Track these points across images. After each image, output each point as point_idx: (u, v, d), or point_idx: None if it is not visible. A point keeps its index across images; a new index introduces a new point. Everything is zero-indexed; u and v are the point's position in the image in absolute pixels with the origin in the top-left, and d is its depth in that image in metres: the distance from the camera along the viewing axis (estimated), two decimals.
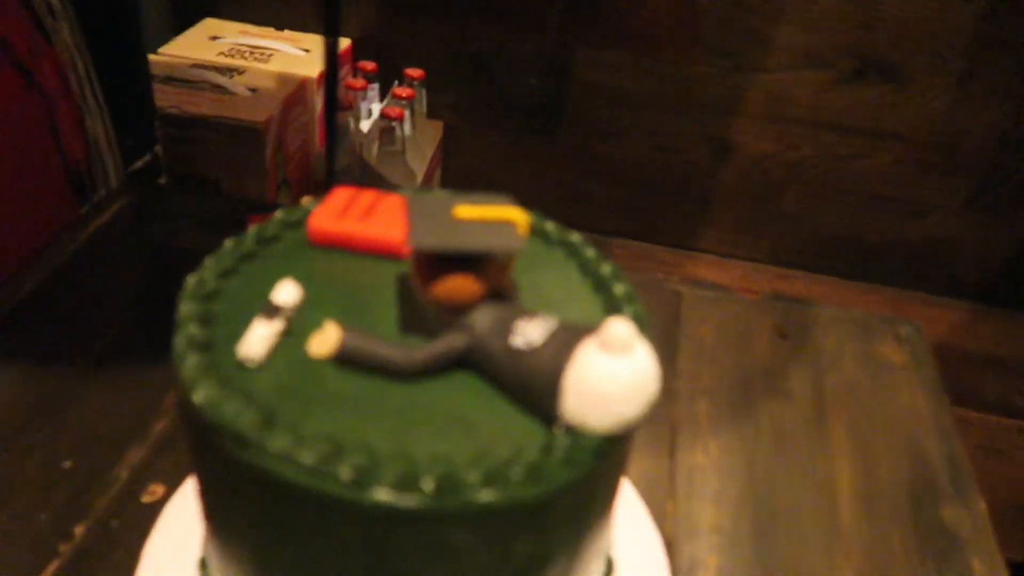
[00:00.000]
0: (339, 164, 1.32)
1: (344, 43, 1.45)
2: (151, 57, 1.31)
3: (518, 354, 0.40)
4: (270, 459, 0.36)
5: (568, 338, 0.39)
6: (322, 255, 0.49)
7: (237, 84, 1.26)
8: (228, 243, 0.47)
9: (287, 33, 1.44)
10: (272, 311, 0.42)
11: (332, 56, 0.73)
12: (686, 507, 0.64)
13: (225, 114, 1.19)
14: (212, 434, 0.38)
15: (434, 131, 1.46)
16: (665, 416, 0.72)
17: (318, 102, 1.34)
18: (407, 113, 1.33)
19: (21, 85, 0.79)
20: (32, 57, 0.79)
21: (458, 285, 0.40)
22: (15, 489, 0.60)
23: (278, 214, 0.51)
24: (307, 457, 0.36)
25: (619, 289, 0.48)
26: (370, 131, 1.33)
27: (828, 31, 1.33)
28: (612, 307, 0.47)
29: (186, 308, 0.43)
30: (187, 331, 0.41)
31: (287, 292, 0.43)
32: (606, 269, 0.49)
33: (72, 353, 0.71)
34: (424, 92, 1.42)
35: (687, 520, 0.63)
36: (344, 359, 0.41)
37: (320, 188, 1.33)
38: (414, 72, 1.40)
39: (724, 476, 0.67)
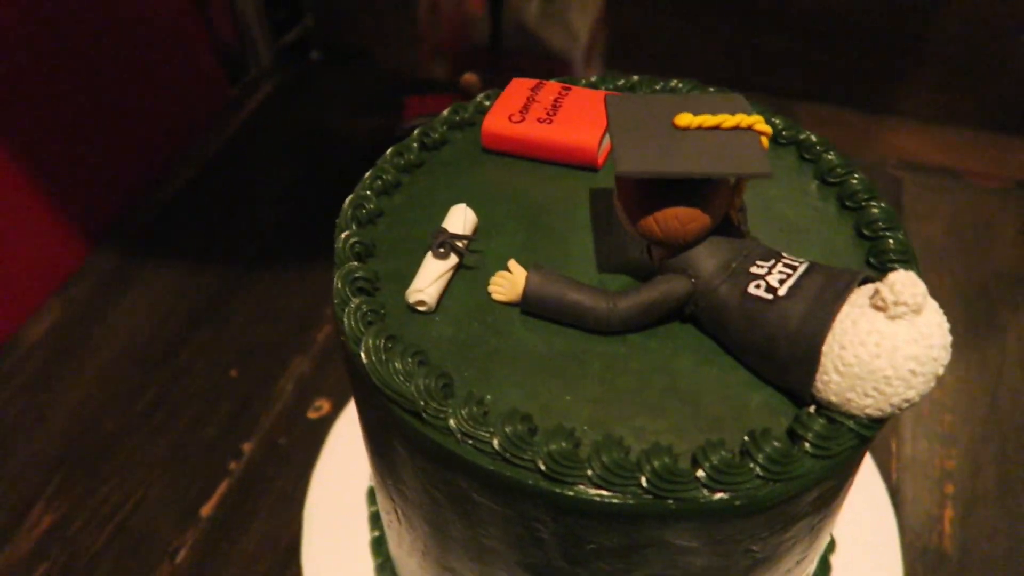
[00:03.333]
0: (507, 27, 1.21)
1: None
2: None
3: (757, 306, 0.31)
4: (450, 439, 0.30)
5: (827, 289, 0.30)
6: (499, 165, 0.40)
7: None
8: (389, 152, 0.40)
9: None
10: (445, 244, 0.34)
11: None
12: (912, 449, 0.54)
13: None
14: (382, 398, 0.31)
15: None
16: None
17: None
18: None
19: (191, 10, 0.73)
20: None
21: (680, 218, 0.31)
22: (184, 401, 0.58)
23: (445, 113, 0.42)
24: (495, 439, 0.29)
25: (876, 211, 0.37)
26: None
27: None
28: (873, 237, 0.36)
29: (344, 238, 0.36)
30: (347, 268, 0.34)
31: (461, 219, 0.36)
32: (856, 182, 0.38)
33: (229, 252, 0.67)
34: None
35: (914, 465, 0.54)
36: (532, 307, 0.33)
37: (480, 57, 1.24)
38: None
39: (960, 410, 0.56)
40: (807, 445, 0.29)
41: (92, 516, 0.51)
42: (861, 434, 0.29)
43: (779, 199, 0.39)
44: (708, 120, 0.31)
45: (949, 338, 0.29)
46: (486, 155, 0.41)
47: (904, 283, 0.28)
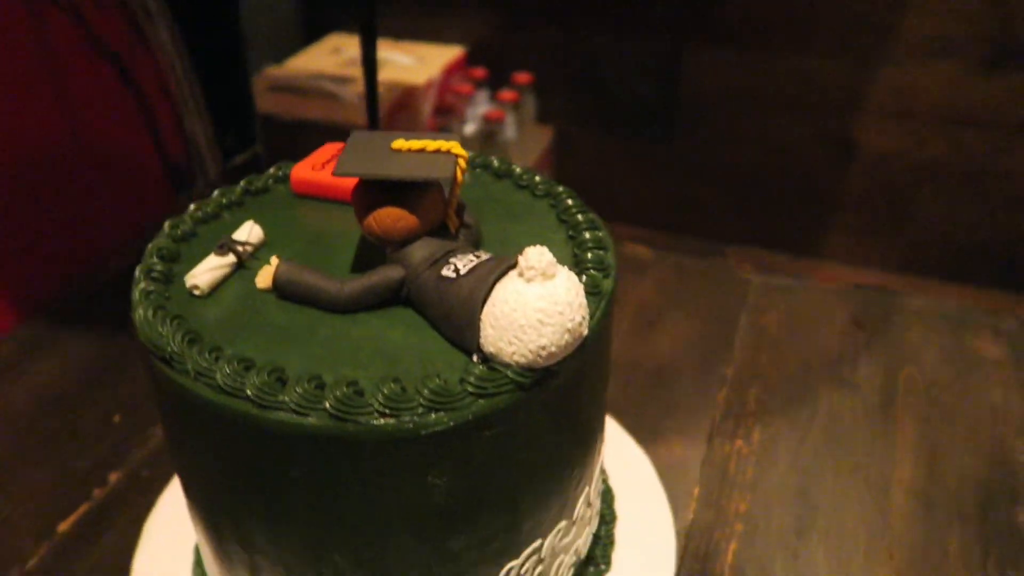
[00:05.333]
0: None
1: (457, 52, 1.48)
2: (270, 70, 1.40)
3: (445, 284, 0.39)
4: (187, 377, 0.37)
5: (493, 268, 0.38)
6: (306, 205, 0.50)
7: (348, 91, 1.32)
8: (216, 193, 0.49)
9: (405, 44, 1.50)
10: (226, 246, 0.43)
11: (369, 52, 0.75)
12: (715, 494, 0.60)
13: (333, 118, 1.25)
14: (146, 353, 0.39)
15: (543, 136, 1.47)
16: (708, 402, 0.67)
17: (426, 108, 1.38)
18: (510, 116, 1.35)
19: (118, 79, 0.86)
20: (130, 55, 0.86)
21: (390, 216, 0.40)
22: (68, 438, 0.65)
23: (271, 169, 0.52)
24: (219, 376, 0.37)
25: (591, 236, 0.45)
26: (473, 135, 1.35)
27: (959, 16, 1.22)
28: (580, 253, 0.45)
29: (155, 244, 0.45)
30: (148, 263, 0.43)
31: (246, 230, 0.44)
32: (583, 217, 0.47)
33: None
34: (532, 97, 1.43)
35: (712, 507, 0.59)
36: (282, 290, 0.41)
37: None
38: (521, 76, 1.41)
39: (764, 465, 0.62)
40: (468, 386, 0.36)
41: None
42: (515, 380, 0.37)
43: (519, 230, 0.47)
44: (416, 144, 0.41)
45: (579, 299, 0.36)
46: (299, 199, 0.50)
47: (534, 253, 0.36)
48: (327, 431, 0.36)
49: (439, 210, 0.41)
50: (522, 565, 0.44)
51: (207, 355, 0.37)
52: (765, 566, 0.55)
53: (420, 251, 0.40)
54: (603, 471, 0.57)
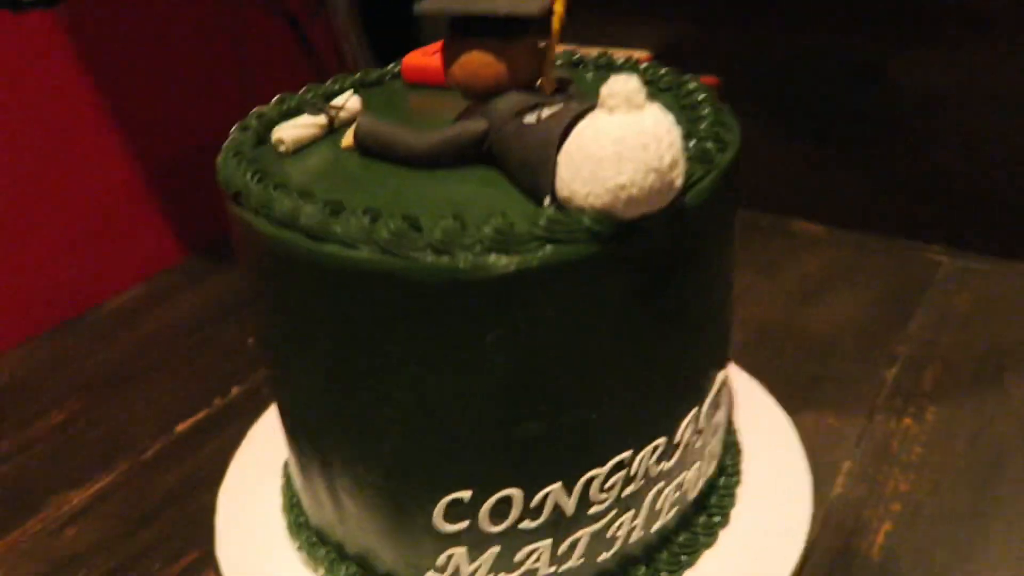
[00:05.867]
0: None
1: (642, 56, 1.45)
2: None
3: (527, 129, 0.35)
4: (251, 212, 0.36)
5: (576, 108, 0.33)
6: (415, 92, 0.48)
7: None
8: (330, 81, 0.48)
9: (588, 48, 1.48)
10: (319, 106, 0.41)
11: None
12: (871, 470, 0.50)
13: None
14: (224, 197, 0.38)
15: None
16: (872, 378, 0.58)
17: None
18: None
19: (294, 39, 0.90)
20: (308, 18, 0.90)
21: (475, 61, 0.36)
22: (205, 354, 0.66)
23: (390, 65, 0.51)
24: (277, 208, 0.35)
25: (711, 113, 0.40)
26: None
27: None
28: (695, 128, 0.39)
29: (259, 109, 0.44)
30: (246, 122, 0.42)
31: (344, 98, 0.43)
32: (705, 101, 0.42)
33: None
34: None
35: (866, 483, 0.50)
36: (362, 141, 0.39)
37: None
38: (708, 79, 1.35)
39: (936, 447, 0.52)
40: (536, 228, 0.32)
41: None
42: (591, 227, 0.32)
43: None
44: None
45: (670, 136, 0.31)
46: (408, 88, 0.49)
47: (618, 80, 0.31)
48: (378, 266, 0.32)
49: (530, 64, 0.37)
50: (607, 478, 0.38)
51: (270, 190, 0.35)
52: (923, 552, 0.45)
53: (506, 102, 0.37)
54: (731, 424, 0.50)
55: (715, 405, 0.43)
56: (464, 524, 0.38)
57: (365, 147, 0.39)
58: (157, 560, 0.49)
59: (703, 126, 0.38)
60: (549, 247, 0.32)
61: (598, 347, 0.35)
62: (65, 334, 0.71)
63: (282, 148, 0.40)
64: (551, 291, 0.33)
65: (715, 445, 0.44)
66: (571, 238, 0.32)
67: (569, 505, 0.38)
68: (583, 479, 0.37)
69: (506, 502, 0.37)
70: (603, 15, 1.50)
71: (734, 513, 0.46)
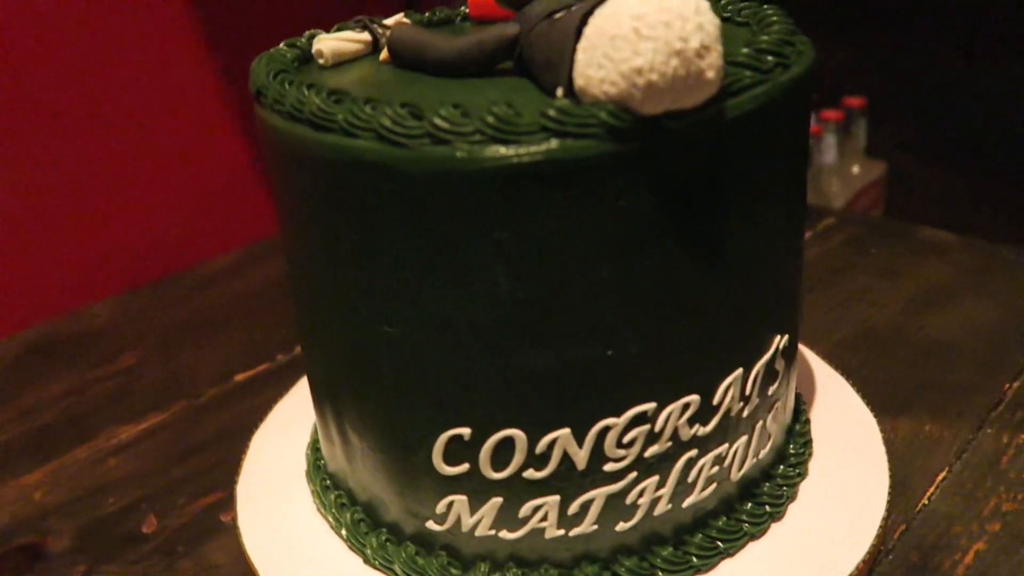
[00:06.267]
0: None
1: None
2: None
3: (553, 26, 0.31)
4: (267, 110, 0.34)
5: None
6: (479, 28, 0.45)
7: None
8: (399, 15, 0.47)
9: None
10: (363, 22, 0.40)
11: None
12: (969, 484, 0.43)
13: None
14: (263, 111, 0.36)
15: (872, 170, 1.29)
16: (987, 389, 0.50)
17: None
18: (830, 138, 1.21)
19: None
20: None
21: None
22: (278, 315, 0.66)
23: (462, 8, 0.49)
24: (288, 101, 0.33)
25: (779, 25, 0.35)
26: None
27: None
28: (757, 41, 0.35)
29: (313, 32, 0.43)
30: (296, 40, 0.41)
31: (394, 19, 0.41)
32: (775, 17, 0.37)
33: None
34: (863, 124, 1.27)
35: (961, 497, 0.42)
36: (395, 49, 0.37)
37: None
38: (852, 100, 1.26)
39: None
40: (544, 120, 0.28)
41: None
42: (605, 120, 0.28)
43: None
44: None
45: (699, 18, 0.27)
46: (473, 24, 0.46)
47: None
48: (376, 156, 0.30)
49: None
50: (624, 431, 0.33)
51: (287, 86, 0.34)
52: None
53: (541, 5, 0.33)
54: (801, 413, 0.44)
55: (771, 375, 0.37)
56: (464, 467, 0.34)
57: (398, 57, 0.37)
58: (183, 495, 0.48)
59: (765, 38, 0.33)
60: (556, 140, 0.28)
61: (615, 268, 0.31)
62: (162, 287, 0.73)
63: (321, 60, 0.39)
64: (559, 192, 0.29)
65: (772, 425, 0.39)
66: (582, 132, 0.28)
67: (580, 457, 0.33)
68: (596, 428, 0.33)
69: (508, 445, 0.33)
70: None
71: (791, 508, 0.40)
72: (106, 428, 0.55)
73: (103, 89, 0.74)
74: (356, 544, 0.39)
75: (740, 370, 0.35)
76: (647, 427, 0.33)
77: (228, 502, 0.46)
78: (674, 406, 0.34)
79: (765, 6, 0.40)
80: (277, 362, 0.60)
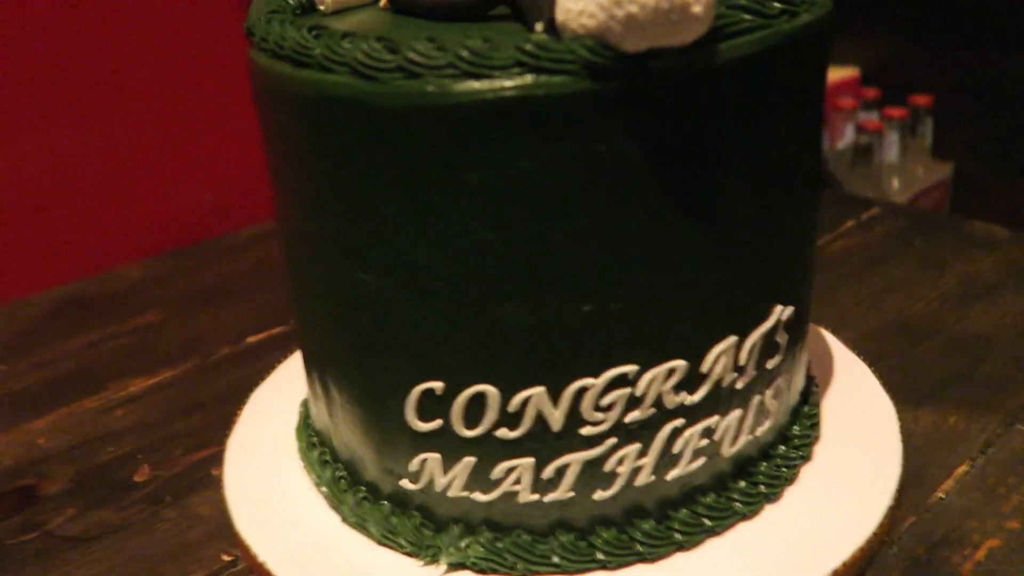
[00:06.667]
0: None
1: (850, 72, 1.33)
2: None
3: None
4: (256, 50, 0.34)
5: None
6: None
7: None
8: None
9: None
10: None
11: None
12: (992, 480, 0.40)
13: None
14: (258, 53, 0.35)
15: (937, 171, 1.24)
16: (1020, 383, 0.47)
17: None
18: (892, 135, 1.16)
19: None
20: None
21: None
22: None
23: None
24: (271, 38, 0.32)
25: None
26: (845, 149, 1.19)
27: None
28: None
29: None
30: None
31: None
32: None
33: None
34: (930, 124, 1.22)
35: (980, 492, 0.39)
36: None
37: None
38: (919, 98, 1.21)
39: None
40: (519, 53, 0.27)
41: None
42: (583, 56, 0.26)
43: None
44: None
45: None
46: None
47: None
48: (349, 91, 0.29)
49: None
50: (602, 393, 0.32)
51: (275, 25, 0.33)
52: None
53: None
54: (811, 395, 0.42)
55: (771, 347, 0.35)
56: (437, 423, 0.33)
57: (397, 2, 0.36)
58: (180, 448, 0.48)
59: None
60: (531, 76, 0.27)
61: (594, 218, 0.29)
62: (191, 253, 0.73)
63: (322, 7, 0.38)
64: (534, 132, 0.28)
65: (772, 402, 0.36)
66: (558, 68, 0.27)
67: (555, 418, 0.32)
68: (572, 388, 0.31)
69: (480, 401, 0.32)
70: None
71: (790, 491, 0.37)
72: (118, 380, 0.55)
73: (148, 60, 0.75)
74: (334, 502, 0.38)
75: (734, 338, 0.33)
76: (627, 391, 0.32)
77: (222, 457, 0.45)
78: (657, 370, 0.32)
79: None
80: (289, 326, 0.60)
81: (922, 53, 1.29)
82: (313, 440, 0.41)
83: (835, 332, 0.52)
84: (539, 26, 0.28)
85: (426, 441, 0.34)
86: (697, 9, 0.26)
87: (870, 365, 0.47)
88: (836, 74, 1.32)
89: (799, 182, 0.34)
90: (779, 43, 0.30)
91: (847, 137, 1.20)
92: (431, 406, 0.33)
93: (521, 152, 0.28)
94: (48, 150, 0.72)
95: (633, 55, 0.27)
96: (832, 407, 0.42)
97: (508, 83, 0.27)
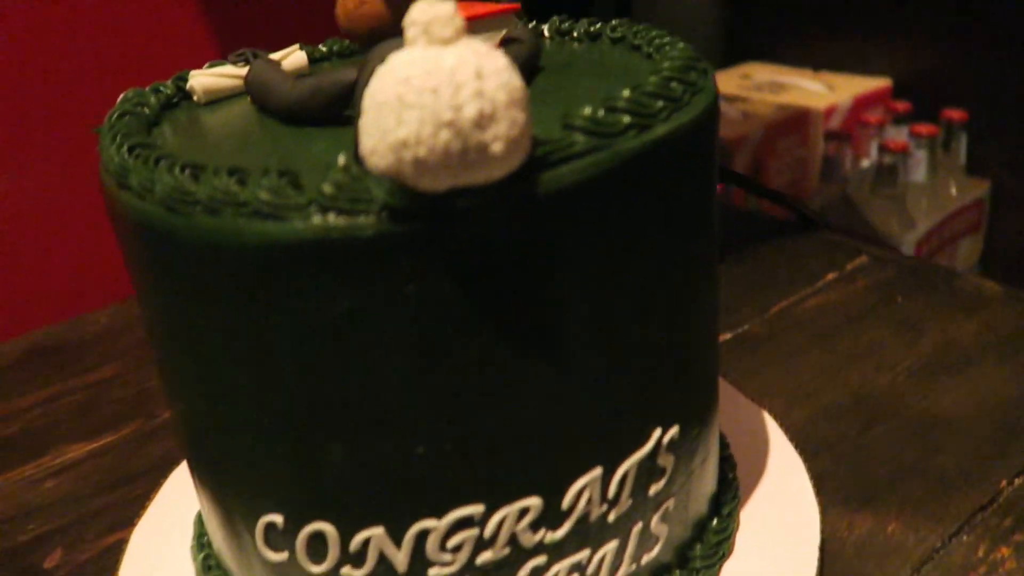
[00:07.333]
0: (819, 198, 1.15)
1: (881, 83, 1.27)
2: None
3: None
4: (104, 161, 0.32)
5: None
6: None
7: (732, 108, 1.20)
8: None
9: (823, 74, 1.33)
10: (244, 55, 0.37)
11: None
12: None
13: None
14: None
15: (972, 188, 1.17)
16: (984, 482, 0.43)
17: (819, 133, 1.19)
18: (920, 153, 1.10)
19: None
20: None
21: (349, 2, 0.30)
22: None
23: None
24: (113, 158, 0.30)
25: (670, 65, 0.30)
26: (867, 169, 1.13)
27: None
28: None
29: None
30: (184, 72, 0.39)
31: (285, 52, 0.38)
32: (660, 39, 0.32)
33: None
34: (964, 139, 1.15)
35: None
36: (250, 89, 0.34)
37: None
38: (952, 112, 1.14)
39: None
40: (313, 192, 0.25)
41: None
42: (381, 196, 0.24)
43: (586, 84, 0.33)
44: None
45: (479, 83, 0.23)
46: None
47: (423, 4, 0.23)
48: (160, 223, 0.27)
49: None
50: (447, 535, 0.29)
51: (107, 139, 0.31)
52: None
53: (382, 50, 0.30)
54: (722, 507, 0.39)
55: (652, 473, 0.32)
56: (284, 555, 0.31)
57: (253, 96, 0.34)
58: (94, 528, 0.47)
59: (629, 93, 0.28)
60: (330, 217, 0.25)
61: (415, 359, 0.27)
62: None
63: (194, 97, 0.36)
64: (336, 276, 0.25)
65: (661, 526, 0.34)
66: (355, 208, 0.25)
67: (399, 560, 0.30)
68: (413, 529, 0.29)
69: (320, 538, 0.30)
70: (840, 38, 1.34)
71: None
72: (59, 446, 0.55)
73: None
74: None
75: (599, 470, 0.30)
76: (475, 531, 0.30)
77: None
78: (508, 510, 0.29)
79: (670, 37, 0.35)
80: None
81: (957, 63, 1.22)
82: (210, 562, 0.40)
83: (787, 409, 0.49)
84: (341, 158, 0.26)
85: (279, 571, 0.32)
86: (497, 148, 0.24)
87: (813, 455, 0.44)
88: (866, 84, 1.26)
89: (674, 292, 0.31)
90: (623, 163, 0.27)
91: (872, 156, 1.14)
92: (276, 538, 0.31)
93: (326, 295, 0.26)
94: (17, 193, 0.73)
95: (435, 194, 0.24)
96: (749, 516, 0.39)
97: (302, 225, 0.25)
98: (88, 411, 0.58)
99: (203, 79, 0.36)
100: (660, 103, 0.28)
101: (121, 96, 0.35)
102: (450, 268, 0.26)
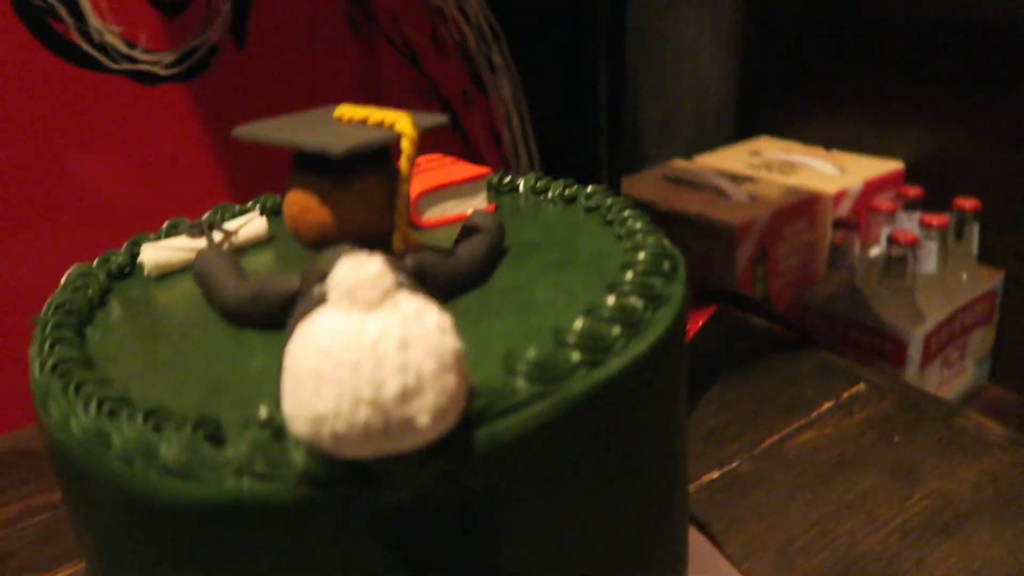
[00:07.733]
0: (827, 287, 1.13)
1: (893, 166, 1.25)
2: (676, 162, 1.32)
3: (306, 300, 0.26)
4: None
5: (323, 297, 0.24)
6: None
7: (740, 191, 1.18)
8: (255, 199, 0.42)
9: (835, 153, 1.31)
10: (200, 226, 0.36)
11: None
12: None
13: (708, 214, 1.12)
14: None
15: (984, 279, 1.14)
16: None
17: (828, 218, 1.17)
18: (930, 245, 1.07)
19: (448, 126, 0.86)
20: (462, 103, 0.86)
21: (295, 204, 0.29)
22: None
23: None
24: (38, 390, 0.28)
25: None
26: (876, 258, 1.11)
27: None
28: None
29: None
30: (138, 237, 0.38)
31: (243, 220, 0.37)
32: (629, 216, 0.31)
33: None
34: (976, 228, 1.13)
35: None
36: (198, 282, 0.32)
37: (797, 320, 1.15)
38: (964, 201, 1.12)
39: None
40: (232, 455, 0.23)
41: None
42: (300, 464, 0.22)
43: (551, 280, 0.32)
44: (359, 113, 0.29)
45: (404, 356, 0.21)
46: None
47: (347, 266, 0.22)
48: (77, 465, 0.25)
49: (367, 212, 0.28)
50: None
51: (44, 359, 0.29)
52: None
53: (327, 260, 0.28)
54: None
55: None
56: None
57: (201, 289, 0.32)
58: None
59: (580, 324, 0.26)
60: (247, 480, 0.23)
61: None
62: None
63: (145, 272, 0.35)
64: (254, 538, 0.24)
65: None
66: (272, 472, 0.23)
67: None
68: None
69: None
70: (853, 117, 1.32)
71: None
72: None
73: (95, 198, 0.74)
74: None
75: None
76: None
77: None
78: None
79: (642, 220, 0.34)
80: None
81: (971, 149, 1.20)
82: None
83: (773, 571, 0.46)
84: (263, 411, 0.24)
85: None
86: (423, 421, 0.22)
87: None
88: (878, 167, 1.25)
89: (634, 533, 0.29)
90: (569, 410, 0.25)
91: (882, 244, 1.12)
92: None
93: (246, 554, 0.24)
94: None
95: (355, 461, 0.23)
96: None
97: (216, 489, 0.23)
98: (49, 537, 0.56)
99: (154, 254, 0.35)
100: (616, 330, 0.27)
101: (66, 275, 0.34)
102: (375, 532, 0.24)
